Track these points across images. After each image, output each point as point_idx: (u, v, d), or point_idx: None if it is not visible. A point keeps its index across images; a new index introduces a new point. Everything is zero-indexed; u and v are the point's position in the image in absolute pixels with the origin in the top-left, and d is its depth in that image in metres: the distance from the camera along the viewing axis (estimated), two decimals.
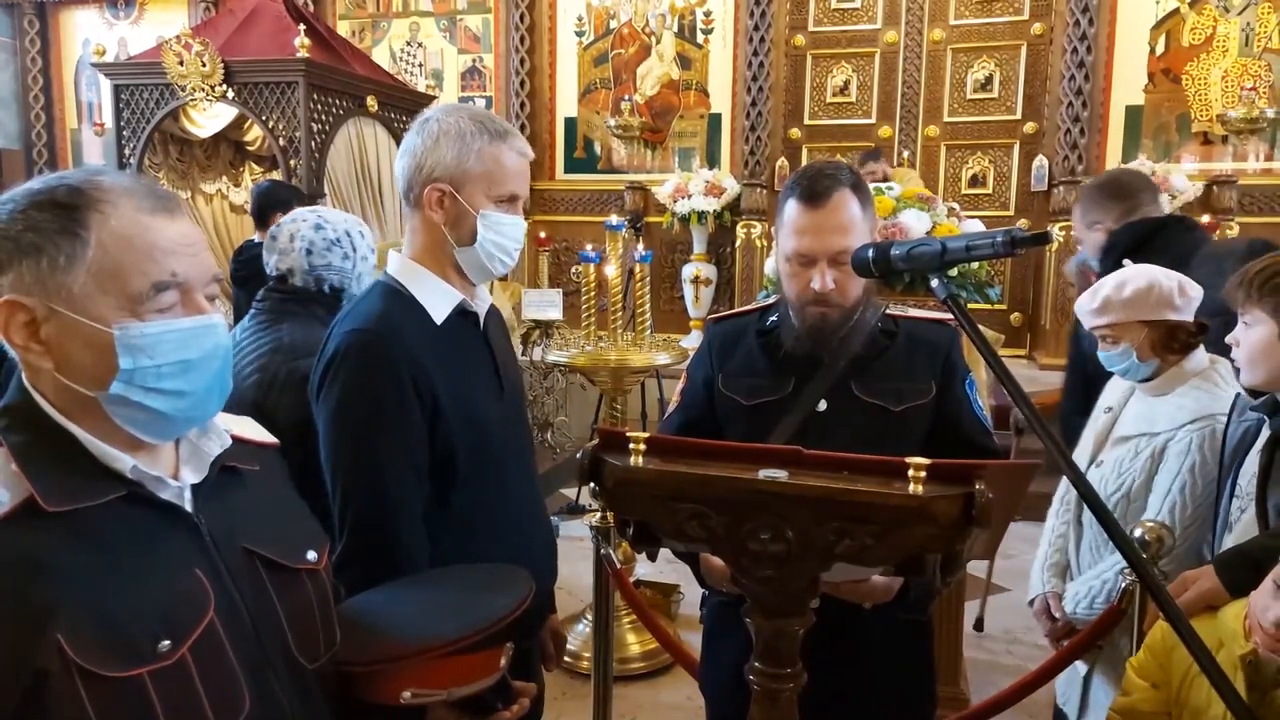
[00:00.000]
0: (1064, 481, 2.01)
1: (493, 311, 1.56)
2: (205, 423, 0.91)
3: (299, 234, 1.83)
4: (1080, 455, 2.02)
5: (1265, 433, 1.56)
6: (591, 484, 0.97)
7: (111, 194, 0.83)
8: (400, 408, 1.32)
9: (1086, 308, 1.92)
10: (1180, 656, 1.34)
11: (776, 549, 0.89)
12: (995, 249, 1.00)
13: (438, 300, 1.42)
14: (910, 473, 0.85)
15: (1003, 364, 1.06)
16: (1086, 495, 1.00)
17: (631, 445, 0.93)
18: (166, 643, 0.79)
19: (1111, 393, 2.05)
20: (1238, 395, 1.71)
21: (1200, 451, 1.77)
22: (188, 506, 0.87)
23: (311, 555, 0.96)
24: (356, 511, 1.32)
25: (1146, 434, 1.86)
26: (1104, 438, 1.98)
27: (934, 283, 1.05)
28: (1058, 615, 1.96)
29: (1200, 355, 1.88)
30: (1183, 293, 1.84)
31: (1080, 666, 1.94)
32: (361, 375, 1.33)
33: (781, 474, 0.89)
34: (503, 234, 1.43)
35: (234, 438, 0.95)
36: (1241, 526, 1.60)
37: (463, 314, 1.46)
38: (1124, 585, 1.73)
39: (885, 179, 5.61)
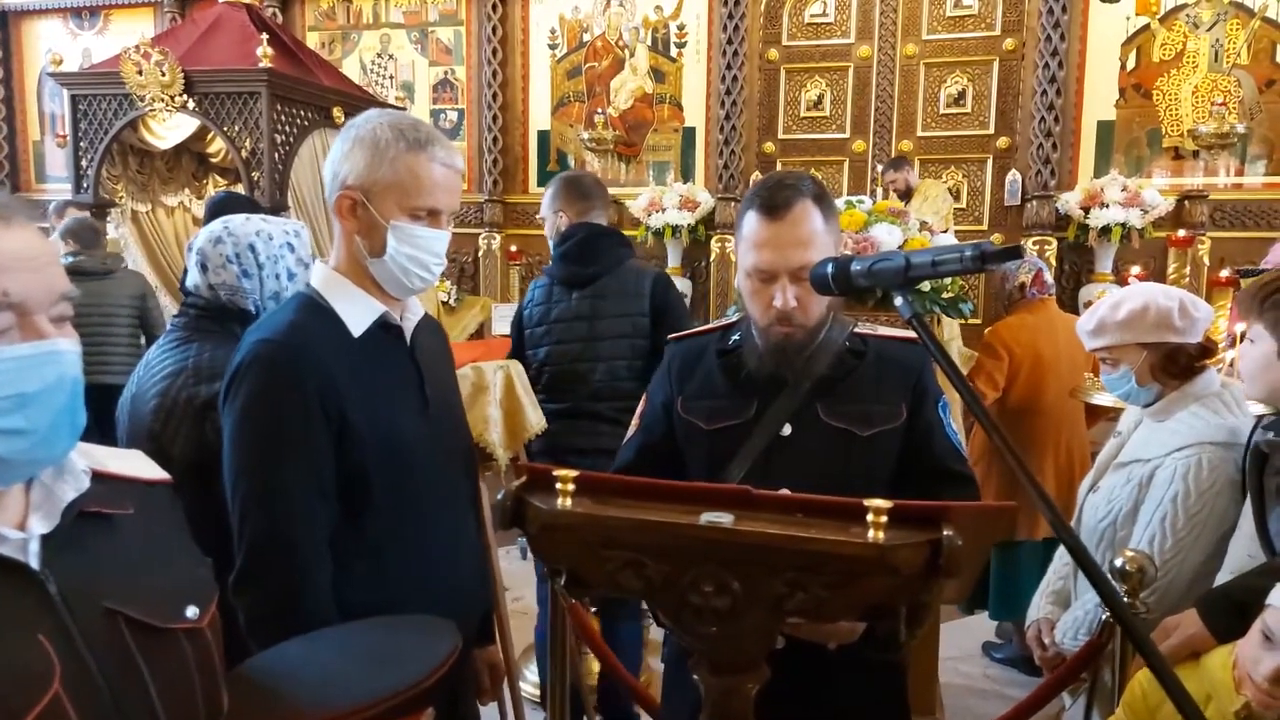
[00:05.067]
0: (1077, 507, 1.97)
1: (426, 326, 1.47)
2: (57, 463, 0.79)
3: (196, 245, 1.69)
4: (1085, 481, 1.95)
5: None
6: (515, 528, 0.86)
7: None
8: (304, 423, 1.25)
9: (1083, 328, 1.84)
10: (1166, 714, 1.25)
11: (720, 603, 0.78)
12: (964, 264, 0.92)
13: (356, 312, 1.35)
14: (870, 517, 0.75)
15: (970, 389, 0.97)
16: (1055, 523, 0.91)
17: (559, 485, 0.83)
18: None
19: (1126, 417, 1.97)
20: (1260, 416, 1.63)
21: (1185, 481, 1.66)
22: (33, 562, 0.74)
23: (191, 612, 0.83)
24: (254, 528, 1.25)
25: (1140, 460, 1.78)
26: (1107, 463, 1.91)
27: (898, 300, 0.95)
28: (1047, 643, 1.88)
29: (1209, 378, 1.79)
30: (1184, 313, 1.75)
31: (1066, 699, 1.86)
32: (264, 387, 1.26)
33: (726, 518, 0.79)
34: (418, 247, 1.35)
35: (106, 476, 0.83)
36: (1233, 552, 1.53)
37: (385, 327, 1.39)
38: (1103, 618, 1.64)
39: (908, 189, 5.55)
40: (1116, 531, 1.77)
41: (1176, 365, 1.75)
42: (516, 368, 2.15)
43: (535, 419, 2.15)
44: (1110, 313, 1.77)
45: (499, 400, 2.05)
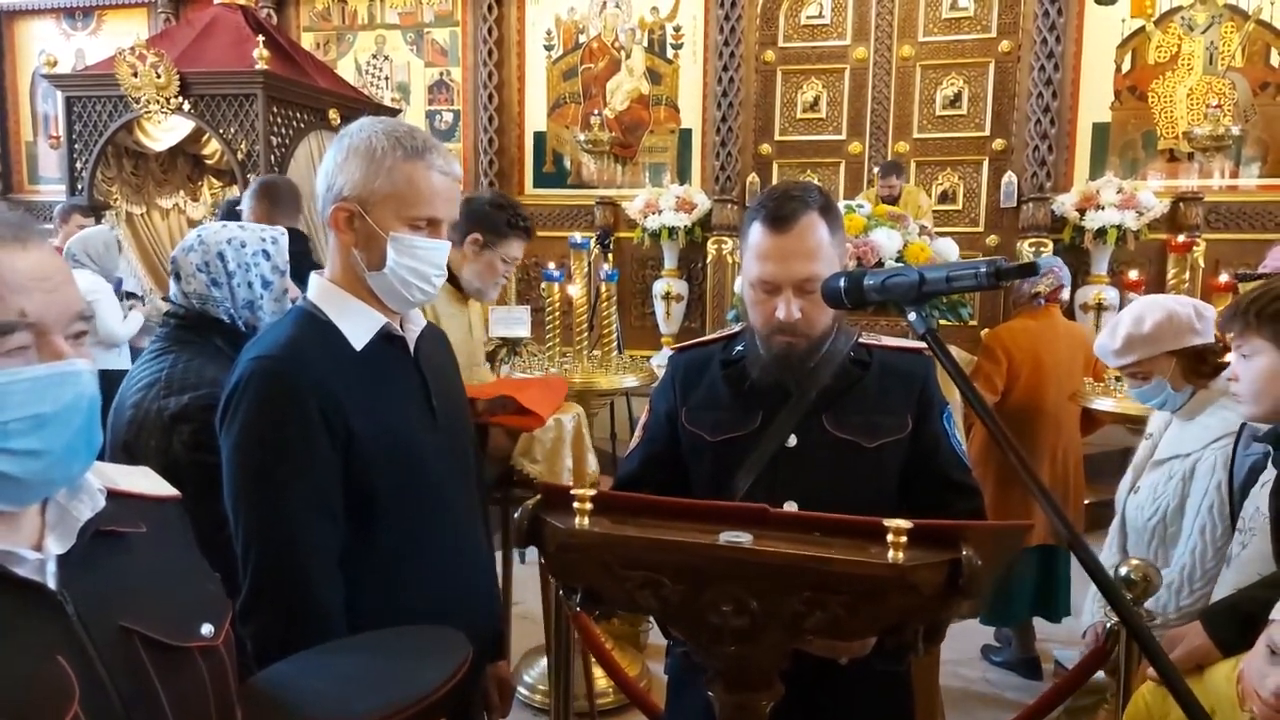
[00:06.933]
0: (1117, 510, 2.01)
1: (430, 335, 1.45)
2: (72, 484, 0.78)
3: (173, 253, 1.66)
4: (1124, 484, 2.00)
5: (1272, 469, 1.49)
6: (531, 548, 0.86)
7: None
8: (306, 441, 1.21)
9: (1108, 348, 1.89)
10: None
11: (739, 623, 0.78)
12: (978, 280, 0.91)
13: (357, 325, 1.31)
14: (889, 537, 0.75)
15: (985, 404, 0.97)
16: (1068, 534, 0.90)
17: (576, 504, 0.82)
18: None
19: (1154, 420, 2.03)
20: (1243, 426, 1.66)
21: (1227, 470, 1.72)
22: (51, 583, 0.74)
23: (206, 630, 0.83)
24: (259, 554, 1.21)
25: (1178, 456, 1.83)
26: (1143, 465, 1.96)
27: (911, 316, 0.95)
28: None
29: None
30: (1200, 315, 1.83)
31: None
32: (263, 407, 1.22)
33: (744, 538, 0.78)
34: (418, 259, 1.31)
35: (117, 494, 0.82)
36: (1239, 563, 1.53)
37: (388, 339, 1.35)
38: (1109, 625, 1.65)
39: (900, 194, 5.58)
40: (1166, 527, 1.82)
41: (1207, 364, 1.82)
42: (583, 416, 2.13)
43: (594, 465, 2.13)
44: (1135, 328, 1.84)
45: (570, 449, 2.03)
